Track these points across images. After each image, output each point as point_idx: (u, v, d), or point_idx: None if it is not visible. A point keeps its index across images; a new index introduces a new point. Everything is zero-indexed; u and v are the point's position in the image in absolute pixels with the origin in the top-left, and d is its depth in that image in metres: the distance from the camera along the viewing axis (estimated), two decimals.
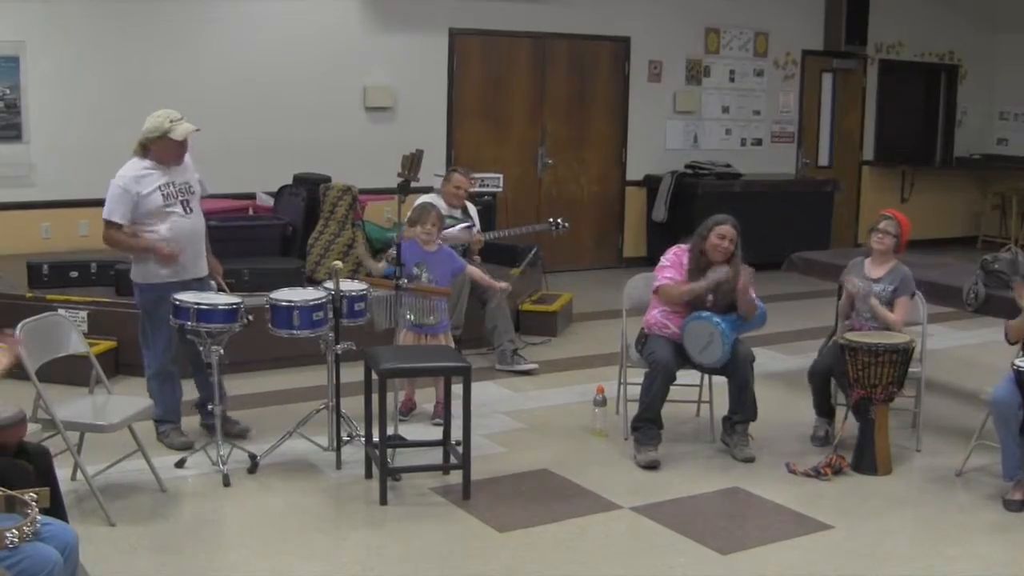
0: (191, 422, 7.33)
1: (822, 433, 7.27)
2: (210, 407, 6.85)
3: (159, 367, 7.06)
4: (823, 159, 15.98)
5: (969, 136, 17.16)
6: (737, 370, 6.93)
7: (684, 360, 7.00)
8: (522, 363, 9.07)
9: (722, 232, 7.00)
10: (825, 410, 7.33)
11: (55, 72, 10.75)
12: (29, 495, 3.95)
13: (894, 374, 6.65)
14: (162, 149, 6.81)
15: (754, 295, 7.02)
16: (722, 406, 7.23)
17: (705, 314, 6.84)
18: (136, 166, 6.84)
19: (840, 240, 15.05)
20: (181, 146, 6.85)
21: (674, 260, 7.12)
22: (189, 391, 7.26)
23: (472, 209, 9.66)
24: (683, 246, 7.16)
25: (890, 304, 7.11)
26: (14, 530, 3.77)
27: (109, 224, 6.82)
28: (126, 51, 11.05)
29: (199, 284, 7.01)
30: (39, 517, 3.91)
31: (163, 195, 6.83)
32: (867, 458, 6.75)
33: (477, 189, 11.16)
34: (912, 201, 16.22)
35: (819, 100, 15.76)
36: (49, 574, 3.82)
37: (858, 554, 5.67)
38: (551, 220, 10.30)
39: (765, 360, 8.78)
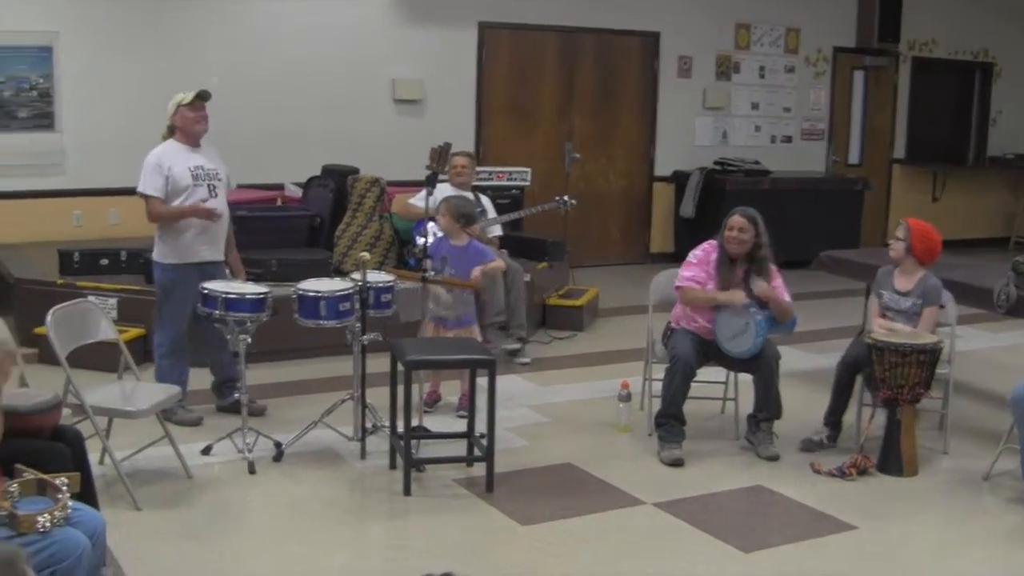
0: (205, 409, 7.51)
1: (817, 439, 7.13)
2: (236, 395, 6.95)
3: (172, 346, 7.29)
4: (853, 157, 15.93)
5: (1003, 136, 17.03)
6: (763, 368, 6.91)
7: (707, 356, 6.99)
8: (520, 356, 9.10)
9: (731, 224, 6.95)
10: (834, 418, 7.20)
11: (87, 62, 10.82)
12: (60, 480, 3.98)
13: (921, 375, 6.61)
14: (183, 120, 7.19)
15: (788, 299, 6.99)
16: (747, 404, 7.22)
17: (754, 309, 6.81)
18: (167, 145, 7.23)
19: (869, 239, 14.99)
20: (197, 110, 7.19)
21: (701, 257, 7.07)
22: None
23: (485, 199, 9.63)
24: (714, 242, 7.12)
25: (918, 316, 7.04)
26: (46, 514, 3.82)
27: (147, 199, 7.16)
28: (157, 42, 11.11)
29: (214, 268, 7.27)
30: (69, 503, 3.95)
31: (192, 175, 7.16)
32: (893, 459, 6.71)
33: (505, 183, 11.18)
34: (943, 201, 16.16)
35: (850, 97, 15.70)
36: (78, 559, 3.85)
37: (881, 555, 5.66)
38: (557, 198, 10.18)
39: (791, 359, 8.74)
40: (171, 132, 7.25)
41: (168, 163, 7.11)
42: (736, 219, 6.94)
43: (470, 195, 8.91)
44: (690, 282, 7.00)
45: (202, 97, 7.22)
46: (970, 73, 16.79)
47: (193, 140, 7.23)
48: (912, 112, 16.16)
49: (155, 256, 7.34)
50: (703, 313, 6.98)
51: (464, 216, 7.67)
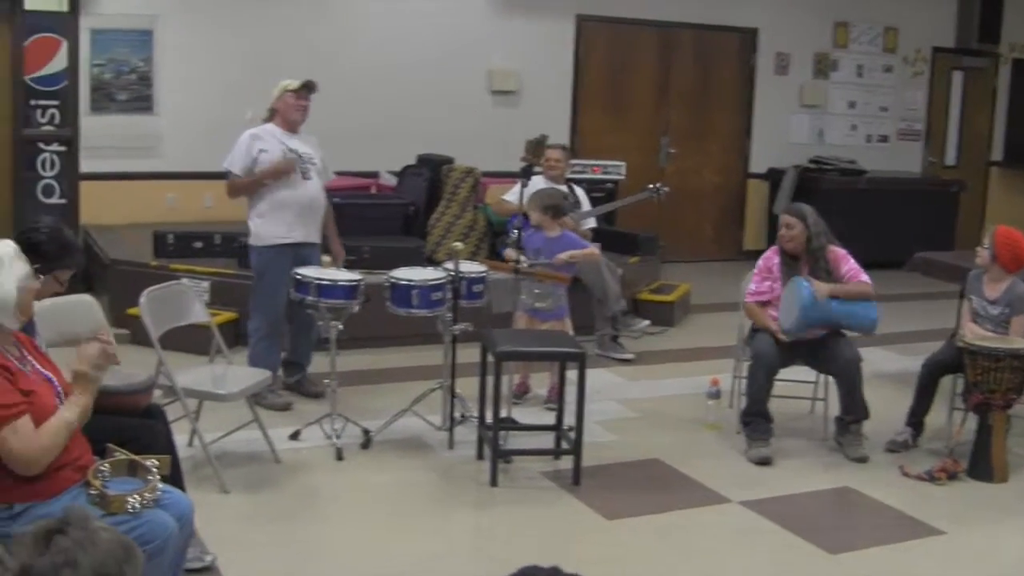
0: (293, 394, 7.61)
1: (901, 439, 7.07)
2: (297, 376, 7.03)
3: (269, 330, 7.36)
4: (950, 159, 15.68)
5: None
6: (843, 370, 6.85)
7: (792, 356, 6.93)
8: (619, 351, 9.07)
9: (780, 223, 6.98)
10: (915, 419, 7.11)
11: (187, 46, 10.95)
12: (151, 461, 4.04)
13: (1015, 380, 6.51)
14: (285, 105, 7.25)
15: (864, 277, 6.89)
16: (836, 405, 7.14)
17: (805, 282, 6.73)
18: (265, 126, 7.31)
19: (964, 242, 14.73)
20: (300, 98, 7.27)
21: (762, 266, 7.06)
22: None
23: (579, 191, 9.56)
24: (775, 247, 7.08)
25: (1006, 323, 6.93)
26: (136, 495, 3.86)
27: (230, 177, 7.28)
28: (256, 29, 11.23)
29: (309, 250, 7.27)
30: (159, 485, 4.00)
31: (285, 158, 7.17)
32: (983, 465, 6.61)
33: (599, 176, 11.16)
34: None
35: (948, 98, 15.47)
36: (165, 541, 3.88)
37: (969, 562, 5.58)
38: (650, 186, 9.95)
39: (880, 359, 8.68)
40: (271, 116, 7.32)
41: (259, 144, 7.19)
42: (782, 217, 6.98)
43: (563, 188, 8.89)
44: (755, 297, 7.02)
45: (308, 87, 7.29)
46: None
47: (291, 126, 7.29)
48: (1011, 114, 15.83)
49: (250, 240, 7.41)
50: (775, 309, 6.94)
51: (551, 207, 7.65)
